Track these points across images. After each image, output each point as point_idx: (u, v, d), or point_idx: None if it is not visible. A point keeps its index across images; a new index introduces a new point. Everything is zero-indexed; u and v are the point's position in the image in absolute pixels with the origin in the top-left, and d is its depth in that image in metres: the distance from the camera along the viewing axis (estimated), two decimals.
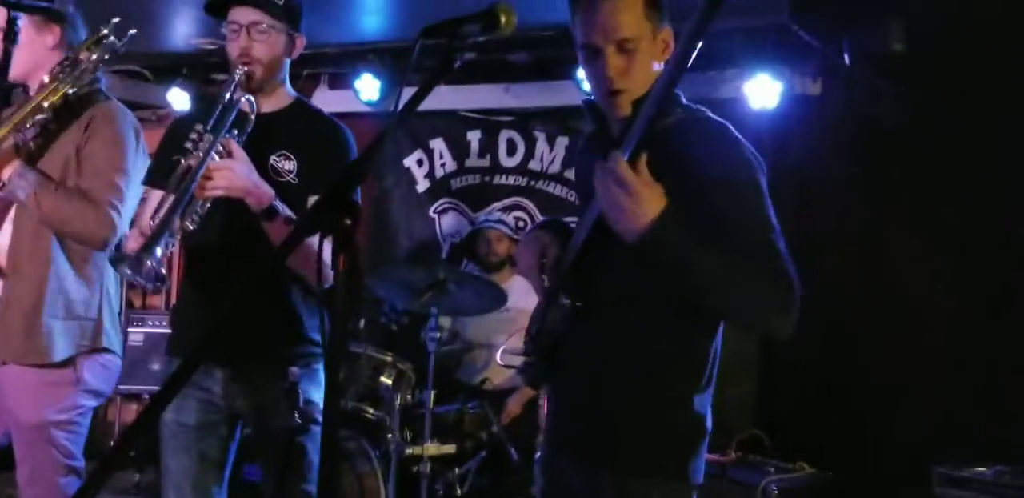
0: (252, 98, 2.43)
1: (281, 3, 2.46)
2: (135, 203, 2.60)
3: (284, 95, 2.58)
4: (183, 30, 4.94)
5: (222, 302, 2.44)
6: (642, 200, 1.67)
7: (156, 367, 4.93)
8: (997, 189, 4.15)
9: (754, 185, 1.78)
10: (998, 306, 4.13)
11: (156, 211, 2.25)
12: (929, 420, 4.12)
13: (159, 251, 2.15)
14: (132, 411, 5.59)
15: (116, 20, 2.51)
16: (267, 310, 2.45)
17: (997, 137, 4.07)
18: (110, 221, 2.48)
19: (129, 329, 5.03)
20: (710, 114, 1.90)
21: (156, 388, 4.67)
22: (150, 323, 5.10)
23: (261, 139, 2.44)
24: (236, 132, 2.39)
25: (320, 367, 2.52)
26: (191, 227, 2.27)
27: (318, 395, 2.50)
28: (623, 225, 1.70)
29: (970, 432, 3.98)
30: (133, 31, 2.53)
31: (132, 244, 2.37)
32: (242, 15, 2.44)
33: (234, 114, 2.37)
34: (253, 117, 2.43)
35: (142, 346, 5.03)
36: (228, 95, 2.38)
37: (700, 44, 1.59)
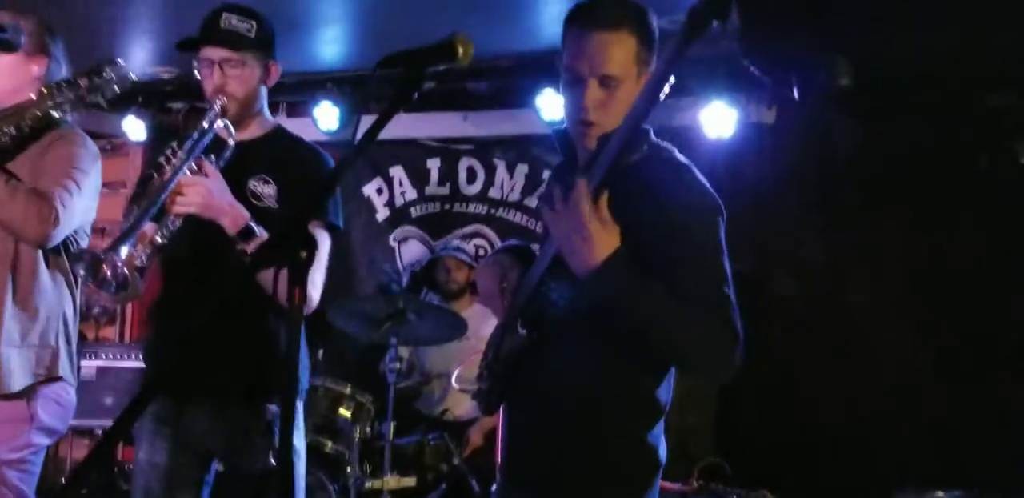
0: (229, 125, 2.40)
1: (252, 36, 2.43)
2: (81, 211, 2.51)
3: (263, 123, 2.56)
4: (139, 58, 4.91)
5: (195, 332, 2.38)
6: (595, 240, 1.67)
7: (109, 401, 4.83)
8: (946, 216, 4.23)
9: (712, 232, 1.77)
10: (950, 329, 4.18)
11: (125, 217, 2.21)
12: (889, 446, 4.14)
13: (124, 251, 2.10)
14: (84, 447, 5.46)
15: (120, 62, 2.48)
16: (245, 341, 2.37)
17: (945, 165, 4.16)
18: (53, 217, 2.39)
19: (81, 362, 4.91)
20: (676, 154, 1.88)
21: (109, 423, 4.57)
22: (103, 356, 4.99)
23: (240, 164, 2.41)
24: (213, 158, 2.36)
25: (301, 404, 2.45)
26: (160, 241, 2.22)
27: (297, 436, 2.40)
28: (572, 261, 1.71)
29: (929, 457, 4.01)
30: (134, 77, 2.50)
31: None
32: (213, 52, 2.41)
33: (210, 137, 2.35)
34: (231, 142, 2.39)
35: (95, 380, 4.92)
36: (205, 123, 2.35)
37: (672, 79, 1.60)
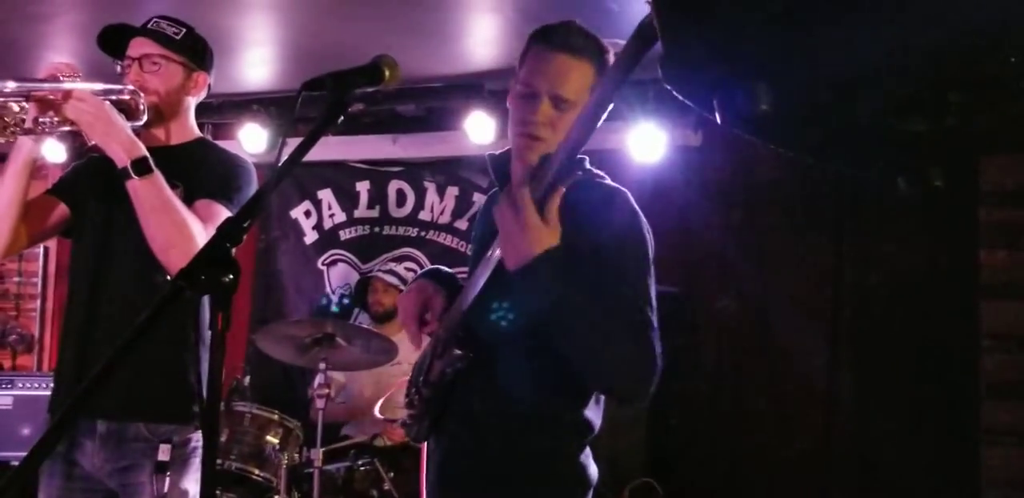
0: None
1: (178, 38, 2.39)
2: None
3: (186, 131, 2.46)
4: None
5: (99, 352, 2.23)
6: (532, 230, 1.66)
7: (27, 432, 4.68)
8: (866, 236, 4.34)
9: (641, 257, 1.80)
10: (870, 346, 4.27)
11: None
12: (816, 465, 4.21)
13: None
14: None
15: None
16: (151, 364, 2.20)
17: (864, 188, 4.26)
18: None
19: None
20: (610, 181, 1.91)
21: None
22: (20, 385, 4.84)
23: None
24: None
25: (199, 441, 2.26)
26: (28, 126, 2.15)
27: (192, 483, 2.24)
28: (507, 250, 1.70)
29: (849, 474, 4.08)
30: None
31: None
32: (135, 48, 2.37)
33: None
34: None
35: (11, 410, 4.77)
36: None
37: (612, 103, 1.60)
